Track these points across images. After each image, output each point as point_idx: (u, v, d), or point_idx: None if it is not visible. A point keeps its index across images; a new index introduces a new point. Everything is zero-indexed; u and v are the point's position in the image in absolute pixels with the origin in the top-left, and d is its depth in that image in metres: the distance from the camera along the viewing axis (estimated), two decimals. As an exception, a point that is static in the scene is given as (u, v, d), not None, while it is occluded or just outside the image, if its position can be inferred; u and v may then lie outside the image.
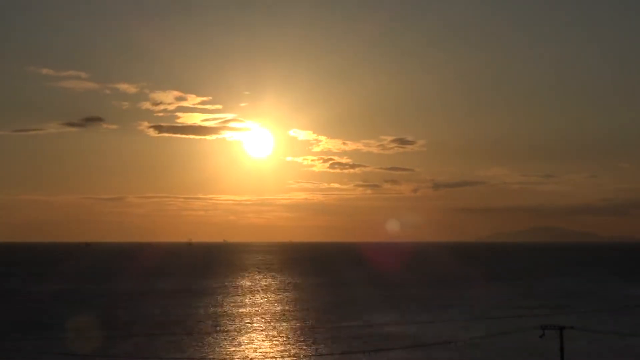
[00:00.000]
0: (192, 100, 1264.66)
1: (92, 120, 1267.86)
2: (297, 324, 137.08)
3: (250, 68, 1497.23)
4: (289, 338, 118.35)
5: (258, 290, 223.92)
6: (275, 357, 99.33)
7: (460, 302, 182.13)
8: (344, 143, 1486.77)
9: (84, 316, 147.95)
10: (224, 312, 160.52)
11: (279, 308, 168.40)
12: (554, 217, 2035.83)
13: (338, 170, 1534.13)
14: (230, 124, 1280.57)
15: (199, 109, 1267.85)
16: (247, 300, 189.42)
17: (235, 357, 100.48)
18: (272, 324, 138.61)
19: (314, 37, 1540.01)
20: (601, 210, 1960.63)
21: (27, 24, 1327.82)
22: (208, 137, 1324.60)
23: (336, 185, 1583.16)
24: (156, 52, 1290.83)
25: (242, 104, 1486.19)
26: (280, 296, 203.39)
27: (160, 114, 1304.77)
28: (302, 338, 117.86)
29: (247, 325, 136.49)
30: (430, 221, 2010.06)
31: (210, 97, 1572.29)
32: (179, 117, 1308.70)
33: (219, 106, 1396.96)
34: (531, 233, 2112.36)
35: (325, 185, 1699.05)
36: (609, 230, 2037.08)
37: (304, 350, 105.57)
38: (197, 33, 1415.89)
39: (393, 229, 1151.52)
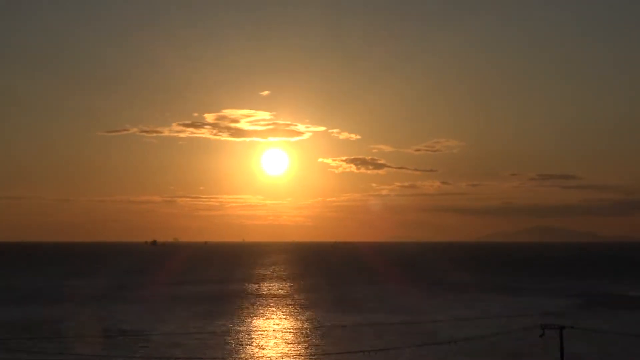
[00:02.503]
0: (236, 107, 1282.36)
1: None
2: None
3: (284, 72, 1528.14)
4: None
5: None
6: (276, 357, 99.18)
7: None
8: (374, 144, 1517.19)
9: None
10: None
11: None
12: (554, 217, 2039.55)
13: (363, 171, 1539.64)
14: (261, 126, 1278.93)
15: (239, 114, 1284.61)
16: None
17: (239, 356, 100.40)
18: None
19: (346, 40, 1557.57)
20: (602, 210, 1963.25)
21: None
22: (246, 139, 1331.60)
23: (357, 185, 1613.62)
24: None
25: (272, 107, 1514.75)
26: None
27: (203, 124, 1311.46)
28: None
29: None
30: (435, 221, 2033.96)
31: (242, 101, 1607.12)
32: (225, 123, 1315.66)
33: (252, 110, 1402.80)
34: (531, 233, 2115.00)
35: (351, 185, 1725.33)
36: (609, 230, 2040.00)
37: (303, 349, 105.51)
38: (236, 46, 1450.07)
39: (376, 209, 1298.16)
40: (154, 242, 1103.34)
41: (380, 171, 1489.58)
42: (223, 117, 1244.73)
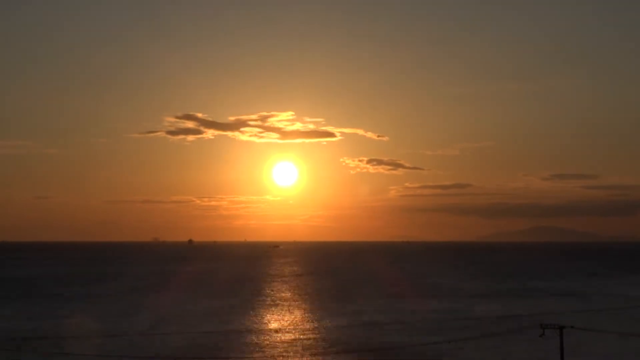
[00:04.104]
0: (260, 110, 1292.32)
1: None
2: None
3: (312, 74, 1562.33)
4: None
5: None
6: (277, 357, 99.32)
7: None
8: (400, 146, 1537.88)
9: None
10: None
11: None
12: (554, 216, 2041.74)
13: (380, 171, 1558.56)
14: (286, 127, 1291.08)
15: (262, 115, 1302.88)
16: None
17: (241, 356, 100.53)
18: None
19: (373, 42, 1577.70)
20: (602, 210, 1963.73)
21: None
22: (272, 141, 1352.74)
23: (370, 185, 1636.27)
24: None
25: (298, 108, 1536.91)
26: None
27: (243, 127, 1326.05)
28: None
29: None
30: (435, 221, 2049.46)
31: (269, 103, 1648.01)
32: (250, 124, 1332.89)
33: (277, 112, 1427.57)
34: (531, 233, 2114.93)
35: (366, 185, 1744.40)
36: (609, 230, 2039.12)
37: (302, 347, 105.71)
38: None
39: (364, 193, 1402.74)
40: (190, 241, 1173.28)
41: (396, 172, 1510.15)
42: (246, 120, 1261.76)
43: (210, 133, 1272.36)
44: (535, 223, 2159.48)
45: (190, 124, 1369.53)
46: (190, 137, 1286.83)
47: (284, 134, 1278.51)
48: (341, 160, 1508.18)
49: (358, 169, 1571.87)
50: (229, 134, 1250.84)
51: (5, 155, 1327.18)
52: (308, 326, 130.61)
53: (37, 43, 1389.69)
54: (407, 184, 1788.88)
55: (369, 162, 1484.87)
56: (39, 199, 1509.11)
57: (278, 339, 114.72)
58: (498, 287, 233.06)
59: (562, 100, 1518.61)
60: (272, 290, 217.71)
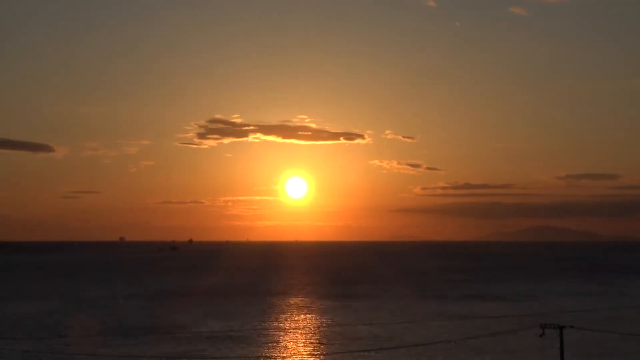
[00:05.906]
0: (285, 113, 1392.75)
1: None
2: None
3: (340, 77, 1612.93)
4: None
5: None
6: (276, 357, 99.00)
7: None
8: (424, 147, 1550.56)
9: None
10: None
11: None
12: (553, 216, 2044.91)
13: (400, 172, 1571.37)
14: (306, 123, 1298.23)
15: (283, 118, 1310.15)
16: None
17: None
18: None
19: (398, 43, 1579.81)
20: (603, 210, 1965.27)
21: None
22: (304, 143, 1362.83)
23: (382, 186, 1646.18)
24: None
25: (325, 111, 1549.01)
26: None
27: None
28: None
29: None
30: (437, 220, 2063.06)
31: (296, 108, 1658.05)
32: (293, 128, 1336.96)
33: (301, 115, 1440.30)
34: (531, 232, 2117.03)
35: (379, 185, 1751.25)
36: (609, 230, 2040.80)
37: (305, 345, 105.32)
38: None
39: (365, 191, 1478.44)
40: (190, 241, 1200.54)
41: (415, 172, 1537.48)
42: (271, 122, 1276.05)
43: (235, 136, 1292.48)
44: (534, 223, 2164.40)
45: (218, 127, 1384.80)
46: (219, 141, 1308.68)
47: (304, 136, 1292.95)
48: (364, 162, 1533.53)
49: (380, 170, 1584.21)
50: (253, 136, 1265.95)
51: (41, 158, 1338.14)
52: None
53: (76, 56, 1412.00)
54: (426, 185, 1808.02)
55: (389, 163, 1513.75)
56: (67, 199, 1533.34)
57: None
58: (498, 286, 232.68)
59: (577, 101, 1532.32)
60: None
